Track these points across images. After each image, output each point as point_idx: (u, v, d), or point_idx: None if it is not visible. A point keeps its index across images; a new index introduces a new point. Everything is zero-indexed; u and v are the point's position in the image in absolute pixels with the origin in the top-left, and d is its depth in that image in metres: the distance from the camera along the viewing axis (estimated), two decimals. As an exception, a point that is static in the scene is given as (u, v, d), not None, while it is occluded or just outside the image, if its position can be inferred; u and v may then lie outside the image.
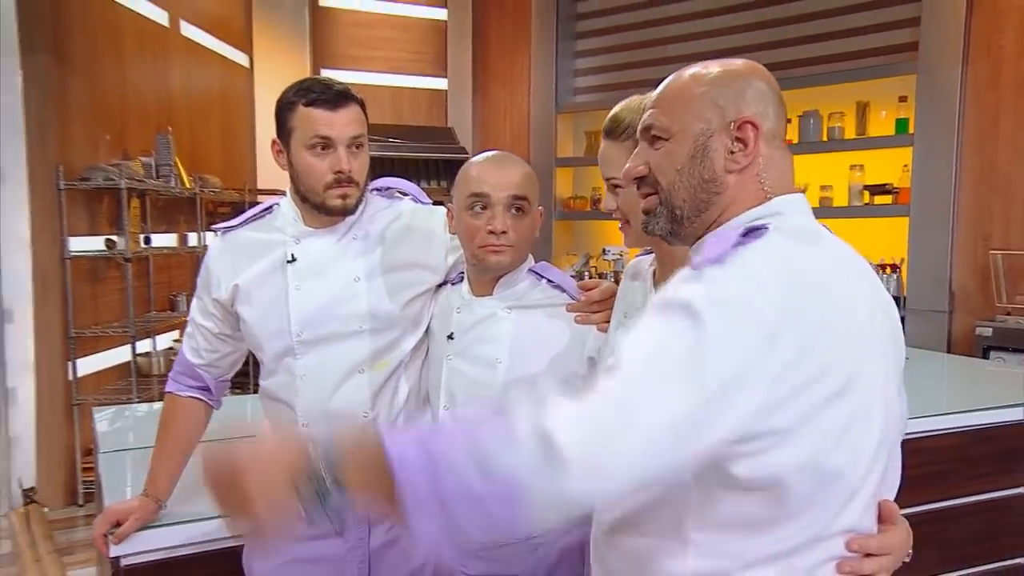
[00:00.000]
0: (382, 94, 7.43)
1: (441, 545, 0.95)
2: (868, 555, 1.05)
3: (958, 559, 2.65)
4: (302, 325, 1.63)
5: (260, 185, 6.71)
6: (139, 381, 4.67)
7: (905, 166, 5.51)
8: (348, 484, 0.92)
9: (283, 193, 5.49)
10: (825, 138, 5.69)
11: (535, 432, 0.89)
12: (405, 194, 1.79)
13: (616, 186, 1.42)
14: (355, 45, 7.44)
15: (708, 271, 0.98)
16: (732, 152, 1.10)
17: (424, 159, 6.51)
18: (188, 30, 5.87)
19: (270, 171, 7.02)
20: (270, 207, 1.74)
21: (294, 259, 1.64)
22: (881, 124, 5.58)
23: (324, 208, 1.62)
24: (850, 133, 5.63)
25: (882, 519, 1.09)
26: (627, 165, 1.20)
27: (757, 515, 1.00)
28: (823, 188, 5.69)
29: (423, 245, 1.71)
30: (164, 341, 5.42)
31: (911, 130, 5.54)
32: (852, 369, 0.99)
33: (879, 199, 5.41)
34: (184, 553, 1.73)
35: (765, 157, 1.11)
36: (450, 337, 1.61)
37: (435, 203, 1.82)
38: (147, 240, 5.00)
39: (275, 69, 7.07)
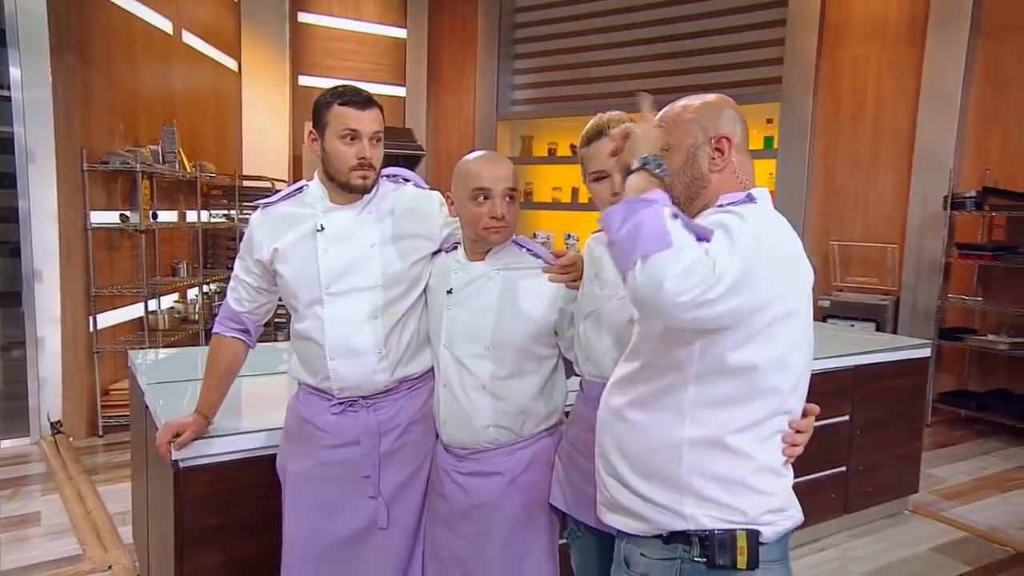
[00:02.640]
0: (350, 98, 7.39)
1: (612, 218, 1.14)
2: (797, 431, 1.25)
3: (806, 467, 2.92)
4: (330, 280, 1.72)
5: (246, 171, 6.64)
6: (149, 334, 4.66)
7: (771, 173, 5.85)
8: (641, 175, 1.20)
9: (267, 179, 5.46)
10: None
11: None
12: (407, 180, 1.89)
13: (603, 177, 1.57)
14: (327, 56, 7.37)
15: (737, 208, 1.19)
16: (713, 158, 1.30)
17: (389, 154, 6.51)
18: (188, 38, 5.73)
19: (254, 159, 6.97)
20: (301, 188, 1.83)
21: (323, 228, 1.74)
22: (753, 140, 5.82)
23: (348, 186, 1.71)
24: None
25: (804, 412, 1.28)
26: None
27: (736, 394, 1.18)
28: None
29: (424, 221, 1.80)
30: (167, 301, 5.37)
31: (775, 146, 5.88)
32: (800, 300, 1.20)
33: None
34: (229, 459, 1.85)
35: (738, 161, 1.31)
36: (449, 292, 1.70)
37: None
38: (154, 216, 4.92)
39: (259, 73, 6.97)
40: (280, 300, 1.91)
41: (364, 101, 1.70)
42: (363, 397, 1.76)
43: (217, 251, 6.21)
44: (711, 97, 1.35)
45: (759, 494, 1.21)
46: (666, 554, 1.24)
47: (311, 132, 1.75)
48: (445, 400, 1.71)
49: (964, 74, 4.99)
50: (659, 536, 1.25)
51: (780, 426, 1.23)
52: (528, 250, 1.73)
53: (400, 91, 7.67)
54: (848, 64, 5.53)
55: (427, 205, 1.84)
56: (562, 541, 1.73)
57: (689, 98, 1.36)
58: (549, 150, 6.98)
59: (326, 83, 7.70)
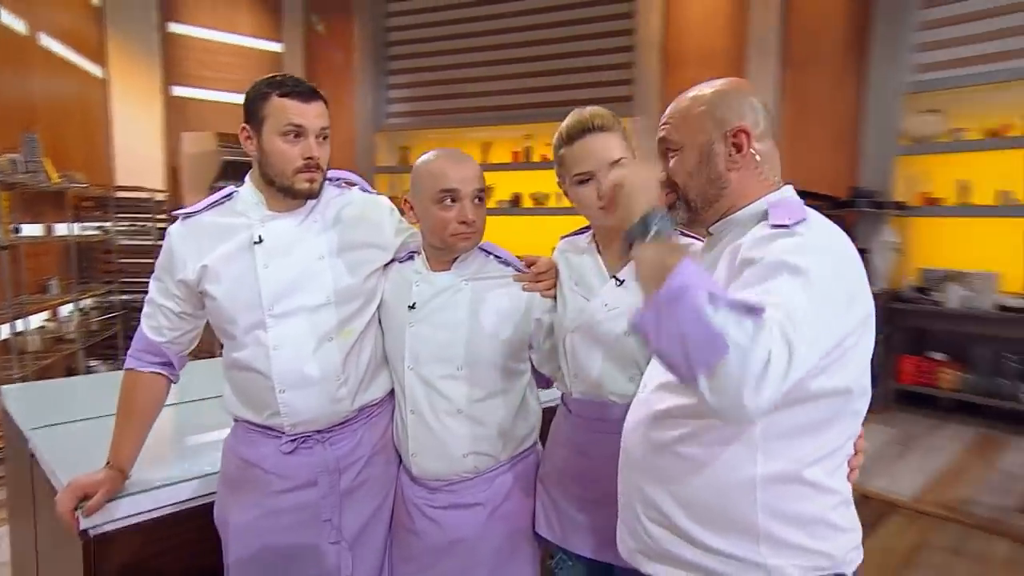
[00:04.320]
0: (226, 109, 6.57)
1: (646, 329, 0.86)
2: (857, 452, 1.02)
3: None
4: (273, 299, 1.33)
5: (119, 182, 5.67)
6: (18, 357, 3.77)
7: (626, 179, 5.88)
8: (652, 240, 0.90)
9: (145, 189, 4.55)
10: None
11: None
12: (353, 184, 1.52)
13: (588, 179, 1.27)
14: (202, 67, 6.48)
15: (798, 228, 0.93)
16: (731, 155, 1.03)
17: (270, 164, 5.84)
18: (46, 40, 4.75)
19: (127, 170, 5.98)
20: (229, 194, 1.41)
21: (261, 240, 1.34)
22: None
23: (291, 191, 1.34)
24: None
25: None
26: None
27: (813, 421, 0.93)
28: None
29: (375, 229, 1.45)
30: (36, 321, 4.42)
31: (633, 155, 5.91)
32: (871, 307, 0.96)
33: None
34: (152, 517, 1.36)
35: (761, 152, 1.04)
36: (412, 307, 1.37)
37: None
38: (15, 230, 4.02)
39: (129, 83, 5.97)
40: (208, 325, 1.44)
41: (308, 92, 1.32)
42: (318, 431, 1.37)
43: (92, 265, 5.25)
44: (723, 83, 1.07)
45: (841, 532, 0.98)
46: None
47: (243, 129, 1.35)
48: (414, 428, 1.36)
49: (776, 97, 5.24)
50: None
51: (848, 450, 1.00)
52: (496, 257, 1.42)
53: (278, 103, 6.94)
54: (687, 86, 5.61)
55: (376, 212, 1.48)
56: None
57: (699, 87, 1.08)
58: (426, 160, 6.63)
59: (201, 94, 6.76)
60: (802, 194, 1.11)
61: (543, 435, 1.47)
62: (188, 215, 1.40)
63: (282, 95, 1.30)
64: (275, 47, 6.87)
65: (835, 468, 0.97)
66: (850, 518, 0.99)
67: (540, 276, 1.40)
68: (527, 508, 1.41)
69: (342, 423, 1.38)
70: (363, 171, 6.47)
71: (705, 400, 0.82)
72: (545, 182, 5.82)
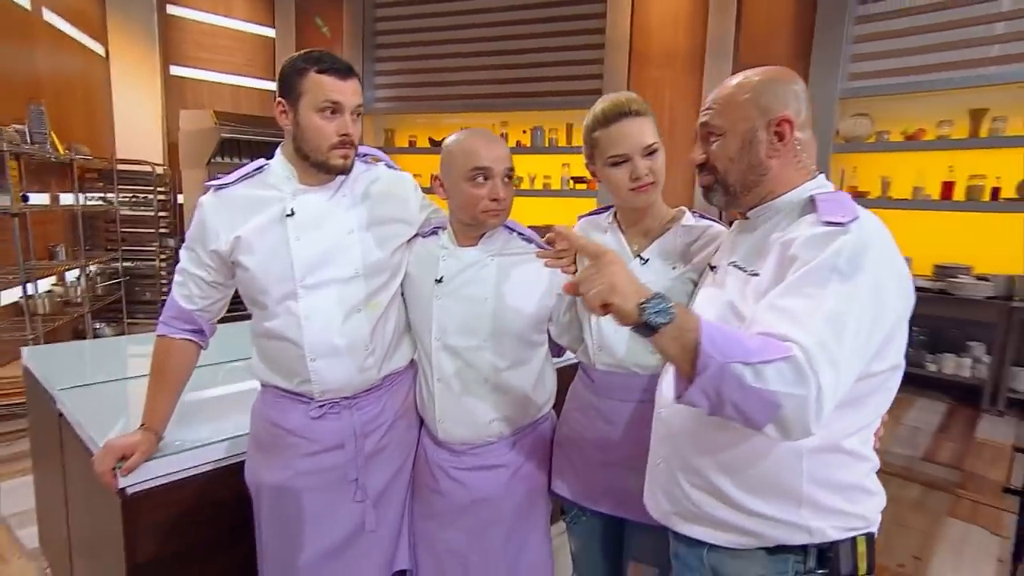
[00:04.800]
0: (223, 90, 6.28)
1: (698, 405, 0.82)
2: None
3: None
4: (304, 271, 1.26)
5: (119, 156, 5.37)
6: (30, 319, 3.58)
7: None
8: (662, 331, 0.81)
9: (146, 163, 4.27)
10: (547, 144, 5.81)
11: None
12: (379, 160, 1.43)
13: (623, 161, 1.20)
14: (200, 48, 6.12)
15: (852, 226, 0.87)
16: (772, 143, 0.97)
17: (267, 142, 5.59)
18: (49, 16, 4.41)
19: (127, 145, 5.67)
20: (261, 167, 1.32)
21: (293, 213, 1.26)
22: (578, 137, 5.78)
23: (326, 166, 1.25)
24: (562, 142, 5.77)
25: None
26: (691, 155, 1.06)
27: (857, 396, 0.89)
28: (545, 177, 5.75)
29: (401, 205, 1.38)
30: (44, 285, 4.20)
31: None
32: (913, 293, 0.92)
33: (579, 186, 5.63)
34: (185, 476, 1.32)
35: (801, 141, 0.98)
36: (438, 281, 1.31)
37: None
38: (24, 198, 3.77)
39: (129, 61, 5.62)
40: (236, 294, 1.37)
41: (346, 69, 1.23)
42: (345, 398, 1.33)
43: (96, 233, 5.00)
44: (771, 71, 0.99)
45: (872, 495, 0.97)
46: (774, 567, 0.94)
47: (279, 103, 1.25)
48: (441, 396, 1.33)
49: (729, 95, 5.24)
50: (762, 548, 0.96)
51: (877, 423, 0.99)
52: (520, 234, 1.36)
53: (273, 86, 6.61)
54: (650, 83, 5.59)
55: (402, 188, 1.40)
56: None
57: (745, 73, 1.00)
58: (409, 142, 6.43)
59: (199, 74, 6.44)
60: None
61: (557, 401, 1.46)
62: (220, 187, 1.30)
63: (320, 71, 1.21)
64: (268, 32, 6.54)
65: (868, 438, 0.96)
66: (877, 483, 0.99)
67: (562, 253, 1.32)
68: (544, 468, 1.40)
69: (367, 390, 1.35)
70: (353, 151, 6.30)
71: (773, 438, 0.81)
72: (520, 165, 5.73)
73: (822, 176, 1.01)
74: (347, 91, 1.22)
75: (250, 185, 1.30)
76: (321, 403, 1.31)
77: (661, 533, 1.12)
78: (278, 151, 1.32)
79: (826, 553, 0.92)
